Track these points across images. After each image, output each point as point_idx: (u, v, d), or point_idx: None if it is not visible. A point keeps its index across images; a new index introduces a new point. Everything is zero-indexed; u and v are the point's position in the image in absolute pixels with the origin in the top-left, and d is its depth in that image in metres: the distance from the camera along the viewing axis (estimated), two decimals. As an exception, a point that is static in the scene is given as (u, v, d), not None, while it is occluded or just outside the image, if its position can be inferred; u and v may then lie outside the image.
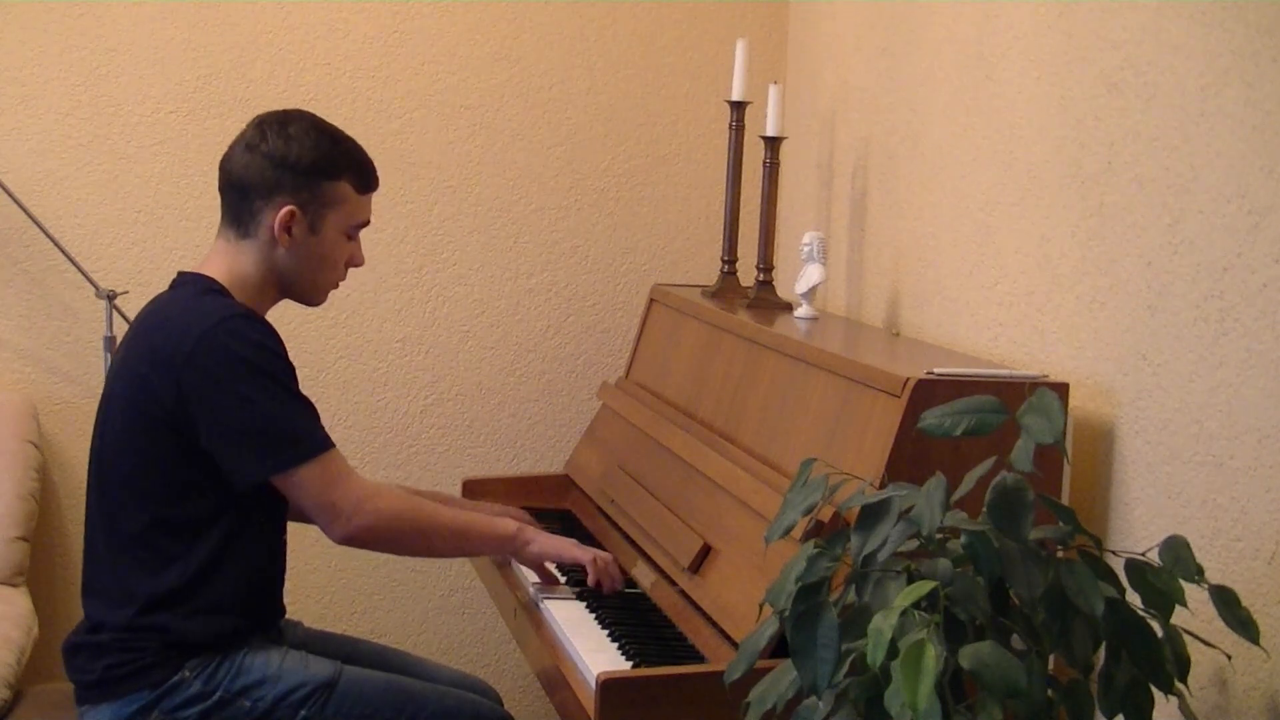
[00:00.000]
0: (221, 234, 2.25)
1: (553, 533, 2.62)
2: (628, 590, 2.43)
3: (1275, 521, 1.76)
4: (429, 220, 3.37)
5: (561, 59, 3.39)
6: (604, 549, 2.66)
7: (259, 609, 2.25)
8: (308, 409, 2.18)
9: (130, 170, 3.19)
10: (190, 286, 2.22)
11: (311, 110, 2.28)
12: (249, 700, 2.15)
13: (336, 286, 2.33)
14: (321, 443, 2.16)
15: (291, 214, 2.19)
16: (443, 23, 3.31)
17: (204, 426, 2.11)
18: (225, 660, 2.16)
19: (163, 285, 3.15)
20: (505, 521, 2.42)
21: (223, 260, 2.23)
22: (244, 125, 2.12)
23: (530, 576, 2.50)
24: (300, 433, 2.15)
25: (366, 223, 2.31)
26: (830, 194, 3.15)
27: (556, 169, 3.43)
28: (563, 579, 2.49)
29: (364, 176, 2.28)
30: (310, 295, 2.31)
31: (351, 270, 2.32)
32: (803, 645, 1.53)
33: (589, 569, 2.39)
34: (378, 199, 2.35)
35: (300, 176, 2.19)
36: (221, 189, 2.25)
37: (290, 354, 2.24)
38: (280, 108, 2.30)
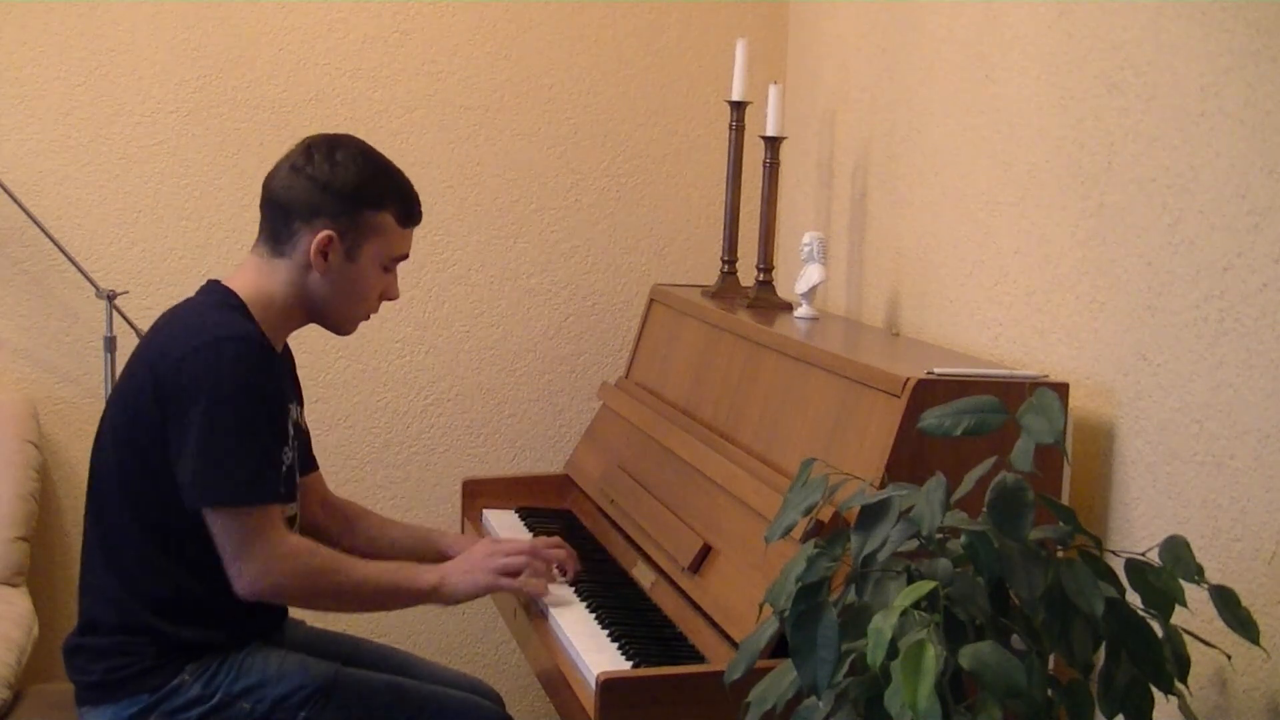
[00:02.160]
0: (256, 249, 2.22)
1: (547, 533, 2.61)
2: (628, 590, 2.43)
3: (1275, 521, 1.76)
4: (429, 220, 3.32)
5: (561, 59, 3.39)
6: (604, 549, 2.67)
7: (259, 618, 2.23)
8: (265, 453, 2.09)
9: (130, 170, 3.19)
10: (210, 296, 2.19)
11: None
12: (249, 702, 2.15)
13: (368, 318, 2.29)
14: (259, 494, 2.07)
15: (329, 239, 2.16)
16: (443, 23, 3.31)
17: (170, 437, 2.08)
18: (225, 662, 2.16)
19: (163, 285, 3.21)
20: (426, 577, 2.23)
21: (252, 276, 2.20)
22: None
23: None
24: (241, 475, 2.06)
25: (405, 256, 2.27)
26: (830, 194, 3.15)
27: (556, 169, 3.43)
28: (560, 578, 2.48)
29: (408, 209, 2.25)
30: (340, 324, 2.27)
31: None
32: (803, 645, 1.53)
33: (533, 570, 2.30)
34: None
35: (342, 202, 2.16)
36: (262, 206, 2.22)
37: (291, 354, 2.21)
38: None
